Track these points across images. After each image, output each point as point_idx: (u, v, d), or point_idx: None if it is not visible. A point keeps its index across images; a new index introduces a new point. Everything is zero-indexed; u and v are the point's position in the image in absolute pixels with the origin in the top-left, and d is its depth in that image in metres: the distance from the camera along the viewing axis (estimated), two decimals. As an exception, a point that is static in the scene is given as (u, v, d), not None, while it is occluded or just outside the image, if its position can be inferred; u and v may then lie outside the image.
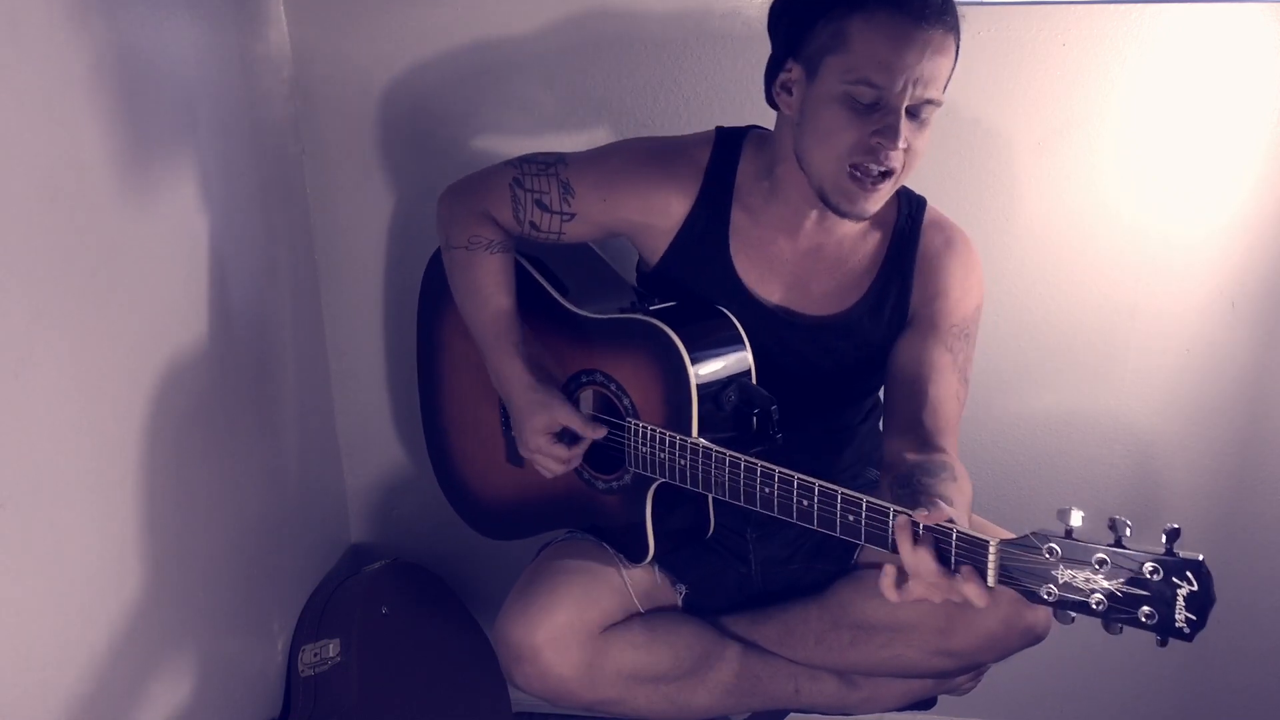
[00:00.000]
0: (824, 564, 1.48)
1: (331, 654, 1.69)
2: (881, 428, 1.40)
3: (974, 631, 1.31)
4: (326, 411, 1.91)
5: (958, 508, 1.14)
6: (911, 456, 1.26)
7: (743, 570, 1.53)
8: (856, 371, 1.44)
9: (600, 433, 1.40)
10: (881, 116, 1.23)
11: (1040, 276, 1.69)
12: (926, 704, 1.51)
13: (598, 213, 1.42)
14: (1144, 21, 1.55)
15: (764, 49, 1.34)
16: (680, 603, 1.50)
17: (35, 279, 1.11)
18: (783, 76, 1.30)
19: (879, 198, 1.28)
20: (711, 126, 1.44)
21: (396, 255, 1.82)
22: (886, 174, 1.25)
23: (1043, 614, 1.29)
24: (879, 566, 1.41)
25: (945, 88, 1.26)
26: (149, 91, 1.31)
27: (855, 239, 1.41)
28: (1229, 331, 1.68)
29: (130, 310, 1.28)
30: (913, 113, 1.23)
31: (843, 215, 1.30)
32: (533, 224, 1.44)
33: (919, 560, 1.06)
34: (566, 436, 1.42)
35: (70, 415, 1.18)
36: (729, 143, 1.41)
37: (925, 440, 1.27)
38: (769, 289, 1.41)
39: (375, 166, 1.78)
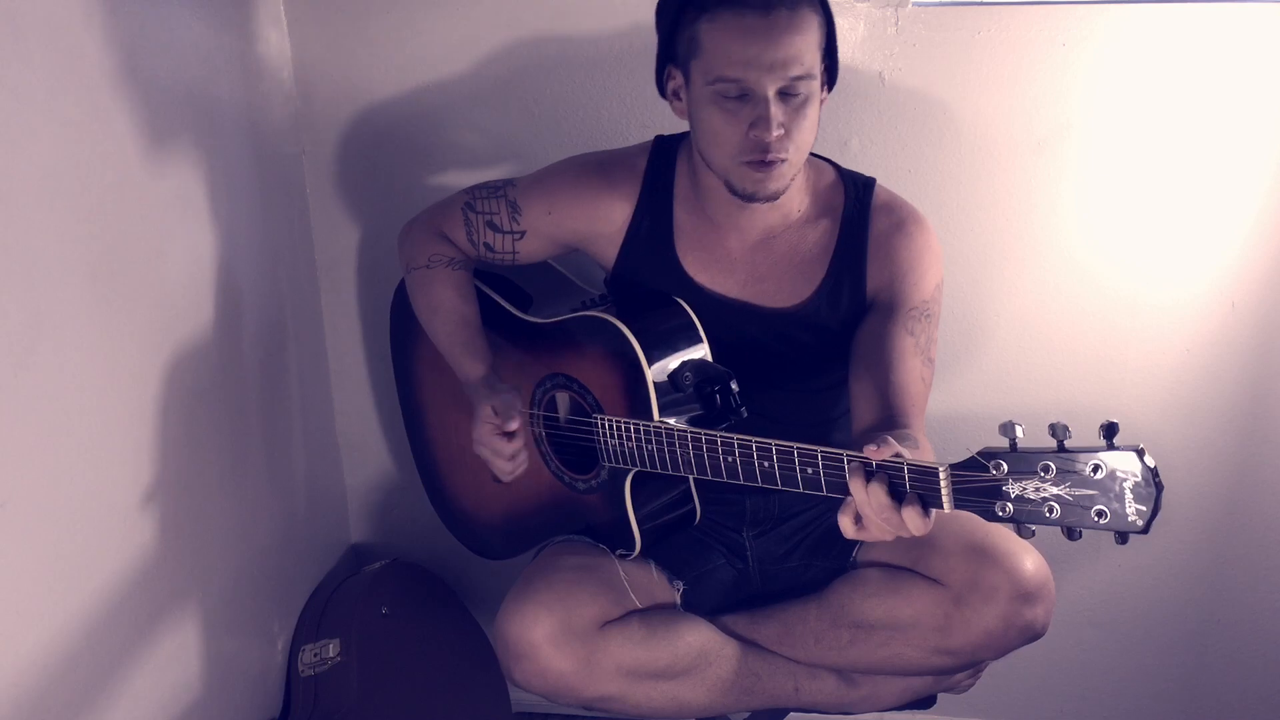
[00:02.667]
0: (822, 562, 1.49)
1: (331, 654, 1.69)
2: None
3: (972, 629, 1.31)
4: (326, 411, 1.91)
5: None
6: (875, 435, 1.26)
7: (740, 568, 1.53)
8: (821, 360, 1.45)
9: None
10: (752, 108, 1.26)
11: (1040, 276, 1.69)
12: (926, 702, 1.51)
13: (545, 226, 1.47)
14: (1143, 22, 1.55)
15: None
16: (679, 600, 1.50)
17: (35, 279, 1.12)
18: (669, 84, 1.36)
19: (779, 175, 1.30)
20: None
21: (396, 256, 1.82)
22: (774, 160, 1.28)
23: (1041, 610, 1.30)
24: (878, 565, 1.42)
25: (823, 58, 1.28)
26: (149, 92, 1.31)
27: (802, 228, 1.42)
28: (1229, 331, 1.68)
29: (130, 310, 1.28)
30: (786, 94, 1.25)
31: (753, 200, 1.33)
32: (487, 245, 1.50)
33: (872, 495, 1.08)
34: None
35: (70, 415, 1.18)
36: (665, 148, 1.46)
37: (892, 421, 1.28)
38: (724, 284, 1.44)
39: (375, 167, 1.78)
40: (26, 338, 1.10)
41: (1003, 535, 1.33)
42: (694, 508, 1.46)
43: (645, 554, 1.45)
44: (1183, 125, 1.59)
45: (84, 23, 1.19)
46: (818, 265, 1.42)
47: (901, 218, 1.42)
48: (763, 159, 1.27)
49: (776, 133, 1.25)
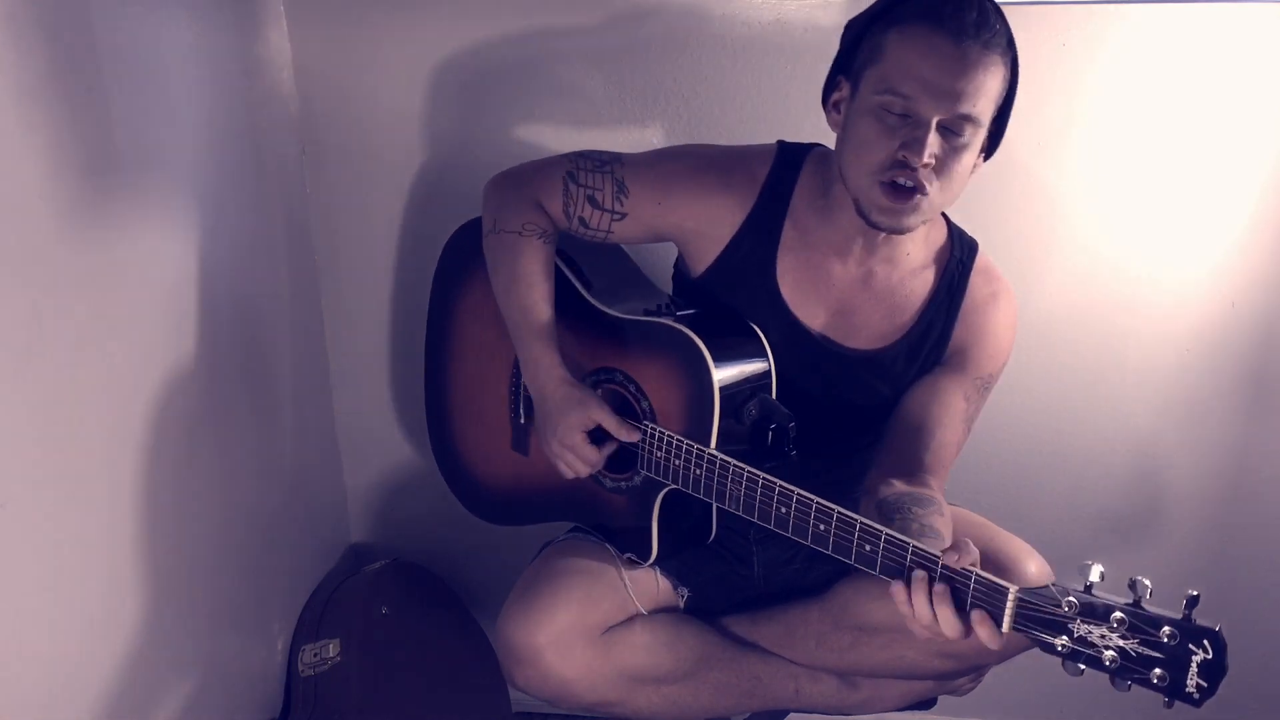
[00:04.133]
0: (825, 564, 1.48)
1: (331, 654, 1.69)
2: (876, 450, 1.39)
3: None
4: (326, 411, 1.91)
5: (946, 541, 1.15)
6: (901, 485, 1.26)
7: (744, 573, 1.53)
8: (885, 407, 1.42)
9: (634, 436, 1.36)
10: (910, 129, 1.21)
11: (1040, 276, 1.69)
12: (926, 704, 1.51)
13: (650, 215, 1.41)
14: (1144, 22, 1.55)
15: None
16: (682, 605, 1.50)
17: (35, 279, 1.11)
18: (834, 95, 1.32)
19: (911, 211, 1.25)
20: (718, 138, 1.44)
21: (396, 255, 1.82)
22: (916, 188, 1.23)
23: None
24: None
25: (996, 110, 1.25)
26: (149, 91, 1.31)
27: (907, 271, 1.38)
28: (1229, 331, 1.68)
29: (131, 310, 1.28)
30: (948, 129, 1.22)
31: (877, 228, 1.28)
32: (582, 220, 1.43)
33: (940, 611, 1.08)
34: (595, 437, 1.40)
35: (70, 416, 1.18)
36: (789, 158, 1.39)
37: (917, 475, 1.27)
38: (812, 314, 1.39)
39: (375, 166, 1.77)
40: (26, 338, 1.10)
41: (1006, 539, 1.33)
42: (711, 528, 1.45)
43: (654, 562, 1.44)
44: (1182, 125, 1.59)
45: (84, 23, 1.19)
46: (909, 313, 1.39)
47: (997, 290, 1.40)
48: (904, 183, 1.23)
49: (927, 160, 1.21)
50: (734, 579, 1.53)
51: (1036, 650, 1.33)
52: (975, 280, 1.40)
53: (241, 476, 1.57)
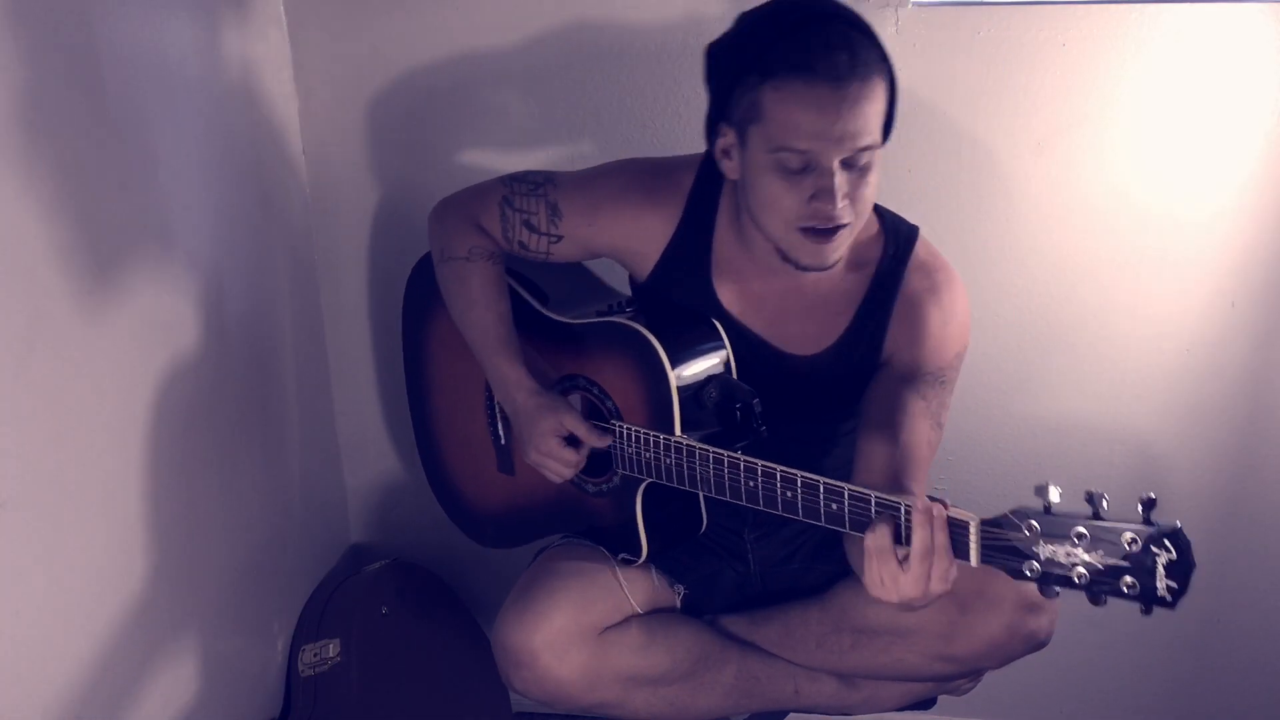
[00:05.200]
0: (825, 565, 1.48)
1: (331, 654, 1.69)
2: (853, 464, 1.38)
3: (976, 637, 1.30)
4: (326, 412, 1.91)
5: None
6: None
7: (741, 569, 1.53)
8: (834, 400, 1.42)
9: (605, 441, 1.37)
10: (815, 179, 1.21)
11: (1040, 277, 1.69)
12: (926, 704, 1.51)
13: (584, 236, 1.43)
14: (1144, 22, 1.55)
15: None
16: (679, 603, 1.50)
17: (35, 278, 1.12)
18: (720, 141, 1.29)
19: (837, 247, 1.26)
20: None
21: (396, 256, 1.82)
22: (836, 227, 1.23)
23: (1045, 620, 1.29)
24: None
25: (887, 126, 1.24)
26: (149, 91, 1.32)
27: (835, 277, 1.36)
28: (1229, 331, 1.67)
29: (130, 310, 1.28)
30: (849, 164, 1.21)
31: (808, 270, 1.29)
32: (521, 243, 1.46)
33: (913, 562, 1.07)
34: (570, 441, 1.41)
35: (70, 415, 1.18)
36: (713, 169, 1.37)
37: (895, 481, 1.26)
38: (753, 320, 1.40)
39: (375, 166, 1.78)
40: (26, 338, 1.10)
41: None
42: (701, 518, 1.45)
43: (648, 560, 1.44)
44: (1182, 125, 1.59)
45: (83, 22, 1.19)
46: (842, 317, 1.38)
47: (936, 282, 1.36)
48: (820, 226, 1.22)
49: (841, 204, 1.21)
50: (731, 575, 1.53)
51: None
52: (911, 275, 1.36)
53: (242, 476, 1.57)
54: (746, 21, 1.27)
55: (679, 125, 1.66)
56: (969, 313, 1.38)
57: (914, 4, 1.58)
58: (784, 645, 1.45)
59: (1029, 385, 1.74)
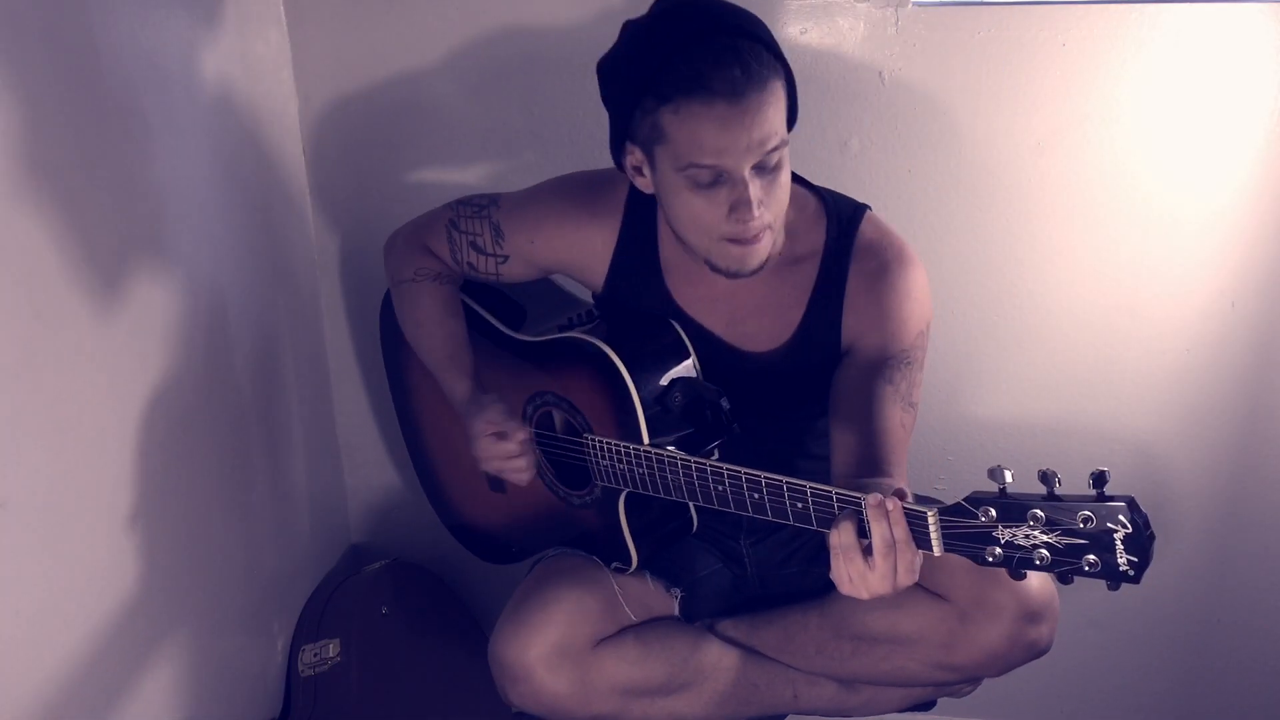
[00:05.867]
0: (823, 568, 1.47)
1: (331, 654, 1.69)
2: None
3: (976, 646, 1.30)
4: (326, 412, 1.91)
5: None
6: (858, 481, 1.24)
7: (738, 572, 1.53)
8: (801, 395, 1.41)
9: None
10: (730, 191, 1.20)
11: (1040, 277, 1.69)
12: (926, 706, 1.51)
13: (528, 254, 1.44)
14: (1143, 22, 1.55)
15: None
16: (676, 608, 1.49)
17: (36, 278, 1.11)
18: (627, 158, 1.28)
19: (760, 252, 1.25)
20: None
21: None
22: (757, 233, 1.23)
23: (1045, 629, 1.29)
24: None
25: (791, 115, 1.23)
26: (149, 91, 1.31)
27: (780, 270, 1.34)
28: (1229, 331, 1.67)
29: (130, 310, 1.28)
30: (761, 167, 1.19)
31: (734, 276, 1.28)
32: (470, 264, 1.48)
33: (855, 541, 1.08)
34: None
35: (71, 415, 1.18)
36: None
37: (874, 467, 1.25)
38: (710, 321, 1.40)
39: (375, 166, 1.78)
40: (26, 338, 1.10)
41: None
42: (691, 518, 1.45)
43: (641, 565, 1.44)
44: (1182, 125, 1.59)
45: (83, 22, 1.19)
46: (794, 311, 1.36)
47: (885, 261, 1.32)
48: (742, 233, 1.22)
49: (758, 211, 1.20)
50: (728, 578, 1.53)
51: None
52: (858, 258, 1.33)
53: (242, 476, 1.57)
54: (632, 37, 1.25)
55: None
56: (927, 288, 1.35)
57: (914, 4, 1.58)
58: (783, 650, 1.45)
59: (1029, 385, 1.74)
